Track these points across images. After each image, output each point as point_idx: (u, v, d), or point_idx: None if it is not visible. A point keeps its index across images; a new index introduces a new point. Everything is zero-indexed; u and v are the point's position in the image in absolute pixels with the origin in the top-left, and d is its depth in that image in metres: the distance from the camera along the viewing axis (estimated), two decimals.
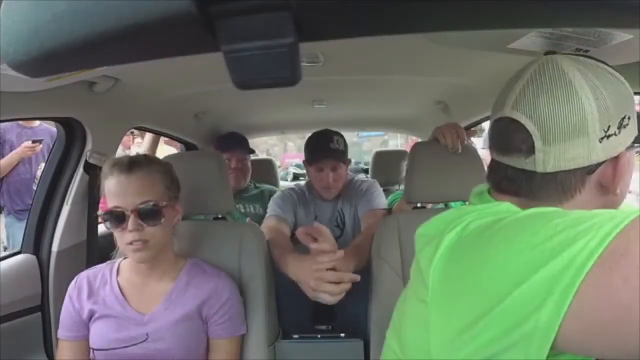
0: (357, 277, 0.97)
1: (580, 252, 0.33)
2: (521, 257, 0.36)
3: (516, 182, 0.51)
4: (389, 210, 1.42)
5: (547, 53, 0.52)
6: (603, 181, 0.49)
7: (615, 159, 0.48)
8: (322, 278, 0.95)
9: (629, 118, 0.48)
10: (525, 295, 0.35)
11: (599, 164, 0.47)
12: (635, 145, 0.50)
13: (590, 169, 0.48)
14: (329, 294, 0.95)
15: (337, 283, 0.96)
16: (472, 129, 1.88)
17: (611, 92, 0.47)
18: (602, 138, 0.46)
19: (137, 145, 3.23)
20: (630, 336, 0.31)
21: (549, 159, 0.48)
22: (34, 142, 2.34)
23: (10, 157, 2.36)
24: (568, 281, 0.33)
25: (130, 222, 0.81)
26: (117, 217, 0.82)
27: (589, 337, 0.34)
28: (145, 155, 0.92)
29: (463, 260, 0.43)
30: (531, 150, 0.48)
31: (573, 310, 0.33)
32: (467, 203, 0.60)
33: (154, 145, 2.01)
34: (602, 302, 0.32)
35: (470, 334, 0.39)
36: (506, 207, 0.47)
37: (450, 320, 0.42)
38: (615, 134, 0.47)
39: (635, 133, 0.49)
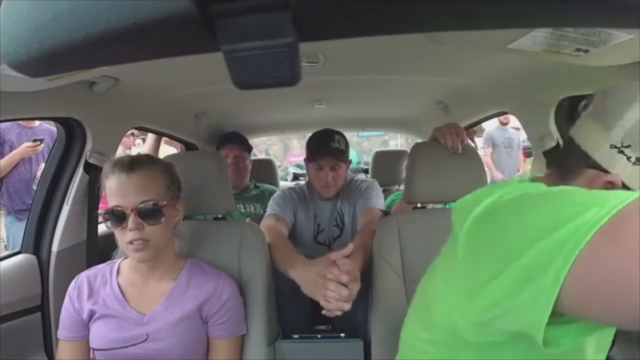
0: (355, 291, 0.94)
1: (590, 219, 0.35)
2: (544, 222, 0.39)
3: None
4: (386, 212, 1.42)
5: None
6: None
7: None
8: (325, 286, 0.92)
9: None
10: (537, 256, 0.37)
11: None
12: None
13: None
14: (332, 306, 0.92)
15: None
16: (472, 128, 1.88)
17: None
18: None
19: (138, 147, 3.23)
20: (629, 302, 0.32)
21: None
22: (34, 141, 2.33)
23: (11, 157, 2.35)
24: (571, 246, 0.35)
25: (131, 221, 0.81)
26: (118, 216, 0.82)
27: (587, 299, 0.35)
28: (146, 155, 0.92)
29: (493, 221, 0.47)
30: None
31: (573, 273, 0.35)
32: None
33: (156, 147, 1.97)
34: (599, 267, 0.34)
35: (491, 287, 0.42)
36: (537, 185, 0.51)
37: (476, 271, 0.46)
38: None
39: None
